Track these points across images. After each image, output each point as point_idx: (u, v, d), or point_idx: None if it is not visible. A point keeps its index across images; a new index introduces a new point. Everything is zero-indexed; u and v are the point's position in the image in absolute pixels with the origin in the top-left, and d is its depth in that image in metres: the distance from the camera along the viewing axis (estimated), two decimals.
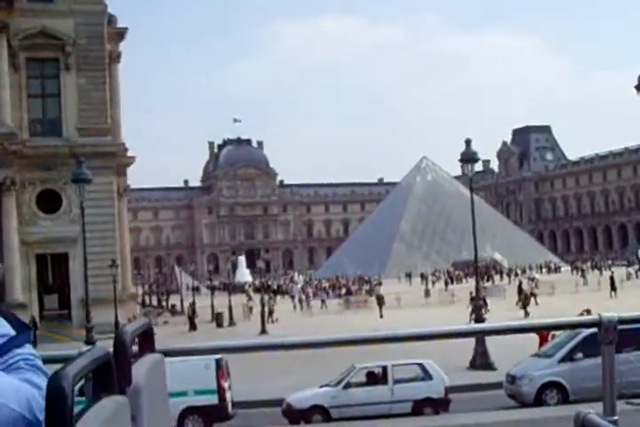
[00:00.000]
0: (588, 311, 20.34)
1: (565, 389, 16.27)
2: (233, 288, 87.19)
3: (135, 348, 1.99)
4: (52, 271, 42.70)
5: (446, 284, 72.60)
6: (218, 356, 14.85)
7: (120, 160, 42.45)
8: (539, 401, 16.13)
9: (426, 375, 15.92)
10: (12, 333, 1.60)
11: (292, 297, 54.13)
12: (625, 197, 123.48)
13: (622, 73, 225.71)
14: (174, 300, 59.35)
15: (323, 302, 49.03)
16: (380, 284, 71.83)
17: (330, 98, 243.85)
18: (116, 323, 35.47)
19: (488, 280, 73.34)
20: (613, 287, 49.10)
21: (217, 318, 41.89)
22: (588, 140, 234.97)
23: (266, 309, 39.65)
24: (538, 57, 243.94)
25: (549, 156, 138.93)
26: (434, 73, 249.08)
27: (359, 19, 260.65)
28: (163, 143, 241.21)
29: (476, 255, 27.01)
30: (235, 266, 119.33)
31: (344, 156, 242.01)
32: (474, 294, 54.83)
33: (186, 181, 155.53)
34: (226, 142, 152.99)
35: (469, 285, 68.72)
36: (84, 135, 39.31)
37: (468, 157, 21.88)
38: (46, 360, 1.66)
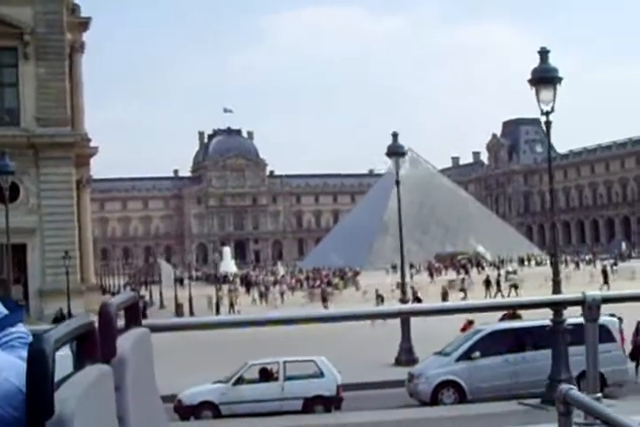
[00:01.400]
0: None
1: (462, 388, 16.13)
2: (215, 279, 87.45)
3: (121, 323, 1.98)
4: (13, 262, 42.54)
5: (431, 275, 72.83)
6: None
7: (82, 151, 42.22)
8: (435, 400, 15.99)
9: (318, 373, 15.79)
10: (5, 311, 1.63)
11: (261, 289, 54.07)
12: (612, 191, 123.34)
13: (622, 69, 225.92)
14: (155, 291, 59.51)
15: (282, 294, 48.89)
16: (355, 275, 71.91)
17: (324, 89, 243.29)
18: (69, 314, 35.36)
19: (466, 273, 73.30)
20: (606, 280, 49.72)
21: (177, 309, 41.90)
22: (581, 133, 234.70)
23: (226, 301, 39.72)
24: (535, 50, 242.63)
25: (539, 148, 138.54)
26: (430, 64, 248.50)
27: (359, 9, 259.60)
28: (152, 132, 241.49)
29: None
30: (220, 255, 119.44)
31: (334, 147, 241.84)
32: (446, 288, 55.04)
33: (176, 171, 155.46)
34: (216, 132, 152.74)
35: (449, 277, 69.12)
36: (43, 125, 39.03)
37: (395, 151, 21.56)
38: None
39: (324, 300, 42.26)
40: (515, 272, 67.31)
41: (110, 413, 1.63)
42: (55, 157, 39.02)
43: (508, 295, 48.23)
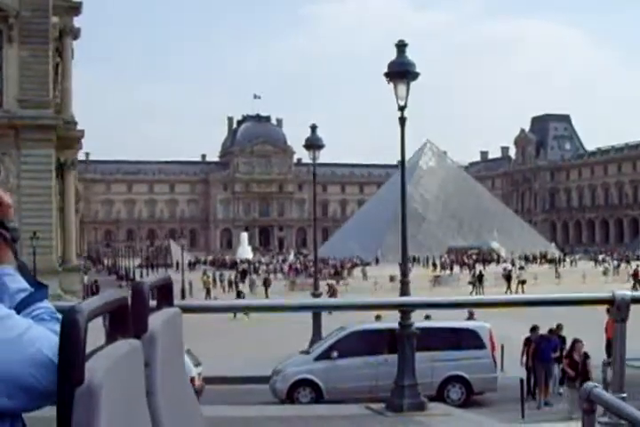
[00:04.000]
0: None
1: (319, 387, 15.95)
2: (222, 265, 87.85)
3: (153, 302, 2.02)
4: None
5: (435, 269, 72.57)
6: None
7: (67, 133, 42.78)
8: (291, 398, 15.76)
9: None
10: (31, 289, 1.71)
11: (252, 277, 54.32)
12: (639, 191, 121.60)
13: None
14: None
15: (265, 282, 49.02)
16: (352, 267, 71.87)
17: (358, 79, 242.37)
18: None
19: (470, 269, 72.86)
20: (637, 280, 49.04)
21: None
22: (613, 131, 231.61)
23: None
24: (578, 47, 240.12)
25: (567, 145, 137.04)
26: (470, 58, 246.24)
27: (403, 2, 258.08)
28: (182, 117, 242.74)
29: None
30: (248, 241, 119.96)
31: (365, 137, 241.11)
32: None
33: (203, 156, 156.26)
34: (245, 118, 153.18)
35: (454, 272, 68.82)
36: (25, 107, 39.63)
37: (313, 143, 21.49)
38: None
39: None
40: (522, 268, 67.00)
41: (139, 386, 1.66)
42: (36, 138, 39.57)
43: (516, 291, 48.17)
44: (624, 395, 2.94)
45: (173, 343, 1.98)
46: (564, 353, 16.42)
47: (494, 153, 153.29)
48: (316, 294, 22.96)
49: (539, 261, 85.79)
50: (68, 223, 43.78)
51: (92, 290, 45.43)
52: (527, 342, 17.80)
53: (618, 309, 2.91)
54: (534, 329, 18.00)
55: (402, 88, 13.92)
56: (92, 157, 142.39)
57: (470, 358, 16.65)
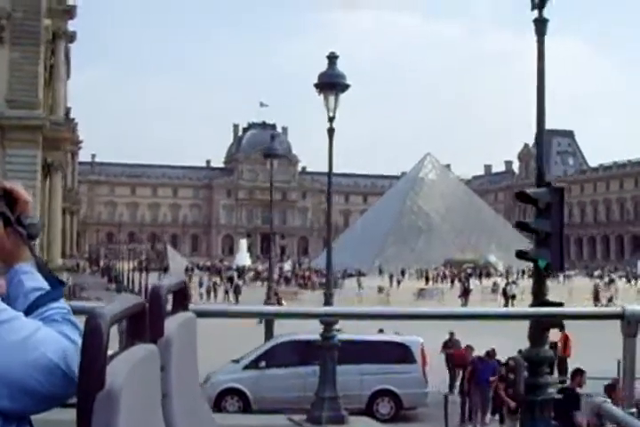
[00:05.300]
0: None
1: (247, 397, 15.90)
2: (215, 270, 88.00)
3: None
4: None
5: (427, 282, 72.51)
6: None
7: (55, 134, 43.24)
8: (218, 407, 15.58)
9: None
10: (48, 287, 1.68)
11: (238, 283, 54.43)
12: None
13: None
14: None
15: (226, 292, 48.92)
16: (342, 277, 71.83)
17: (363, 91, 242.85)
18: None
19: (462, 283, 72.81)
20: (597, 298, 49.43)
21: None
22: (616, 147, 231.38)
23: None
24: (580, 59, 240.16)
25: (571, 161, 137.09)
26: (474, 72, 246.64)
27: (415, 14, 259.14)
28: (188, 122, 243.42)
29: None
30: (249, 248, 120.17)
31: (370, 148, 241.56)
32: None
33: (208, 162, 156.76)
34: (251, 126, 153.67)
35: (439, 285, 68.73)
36: (13, 107, 40.11)
37: (270, 153, 21.75)
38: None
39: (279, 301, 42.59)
40: (514, 282, 66.88)
41: (155, 390, 1.67)
42: (22, 139, 40.01)
43: (505, 306, 48.21)
44: (633, 410, 2.97)
45: (188, 348, 1.99)
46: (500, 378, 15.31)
47: (498, 167, 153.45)
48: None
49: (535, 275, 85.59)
50: (53, 224, 44.15)
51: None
52: (454, 362, 17.20)
53: (628, 324, 2.92)
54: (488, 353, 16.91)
55: (331, 99, 14.14)
56: (97, 159, 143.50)
57: (400, 372, 16.49)
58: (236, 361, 16.96)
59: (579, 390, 10.46)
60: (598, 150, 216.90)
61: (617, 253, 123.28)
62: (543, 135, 9.83)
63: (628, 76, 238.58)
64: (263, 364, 16.30)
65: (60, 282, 1.73)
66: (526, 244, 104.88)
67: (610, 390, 8.43)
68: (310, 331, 16.44)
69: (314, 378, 14.28)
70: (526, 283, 70.30)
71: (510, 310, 15.37)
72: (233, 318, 5.20)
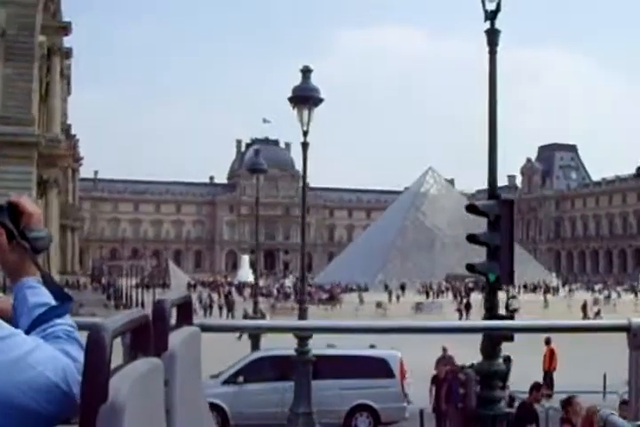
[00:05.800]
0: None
1: (225, 412, 15.72)
2: (214, 286, 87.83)
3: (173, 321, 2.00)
4: None
5: (427, 296, 72.26)
6: None
7: (50, 151, 43.28)
8: None
9: None
10: (53, 302, 1.62)
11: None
12: None
13: None
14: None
15: (220, 308, 48.85)
16: (342, 292, 71.70)
17: (367, 107, 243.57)
18: None
19: (462, 297, 72.50)
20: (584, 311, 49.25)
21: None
22: (619, 161, 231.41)
23: None
24: (588, 76, 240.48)
25: (573, 175, 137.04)
26: (477, 87, 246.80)
27: (419, 31, 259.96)
28: (191, 138, 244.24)
29: None
30: (252, 264, 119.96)
31: (373, 163, 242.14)
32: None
33: (211, 178, 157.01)
34: (254, 141, 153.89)
35: (444, 300, 68.56)
36: (7, 124, 40.15)
37: (255, 168, 21.72)
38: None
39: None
40: (514, 297, 66.56)
41: (159, 404, 1.65)
42: (16, 155, 40.02)
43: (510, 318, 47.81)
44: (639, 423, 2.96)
45: (192, 362, 1.96)
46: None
47: (501, 181, 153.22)
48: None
49: (537, 290, 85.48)
50: None
51: None
52: (436, 380, 15.95)
53: (634, 336, 2.90)
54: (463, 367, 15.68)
55: (305, 113, 14.08)
56: (100, 176, 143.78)
57: (379, 386, 16.29)
58: (215, 376, 16.83)
59: (536, 405, 10.29)
60: (601, 164, 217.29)
61: (619, 267, 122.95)
62: (496, 145, 9.67)
63: (633, 89, 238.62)
64: (241, 379, 16.14)
65: (68, 297, 1.67)
66: (527, 258, 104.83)
67: (566, 404, 8.26)
68: (289, 346, 16.33)
69: (291, 393, 14.19)
70: (527, 298, 70.57)
71: (499, 323, 14.74)
72: (237, 332, 5.08)
